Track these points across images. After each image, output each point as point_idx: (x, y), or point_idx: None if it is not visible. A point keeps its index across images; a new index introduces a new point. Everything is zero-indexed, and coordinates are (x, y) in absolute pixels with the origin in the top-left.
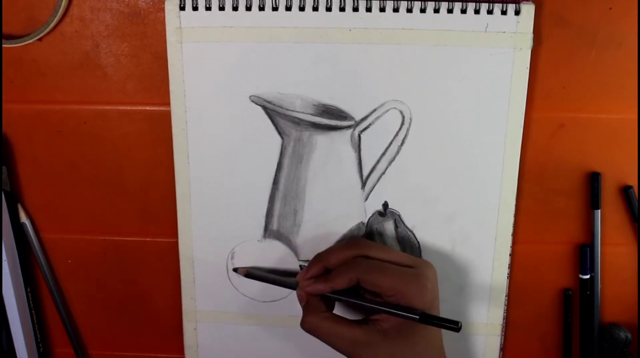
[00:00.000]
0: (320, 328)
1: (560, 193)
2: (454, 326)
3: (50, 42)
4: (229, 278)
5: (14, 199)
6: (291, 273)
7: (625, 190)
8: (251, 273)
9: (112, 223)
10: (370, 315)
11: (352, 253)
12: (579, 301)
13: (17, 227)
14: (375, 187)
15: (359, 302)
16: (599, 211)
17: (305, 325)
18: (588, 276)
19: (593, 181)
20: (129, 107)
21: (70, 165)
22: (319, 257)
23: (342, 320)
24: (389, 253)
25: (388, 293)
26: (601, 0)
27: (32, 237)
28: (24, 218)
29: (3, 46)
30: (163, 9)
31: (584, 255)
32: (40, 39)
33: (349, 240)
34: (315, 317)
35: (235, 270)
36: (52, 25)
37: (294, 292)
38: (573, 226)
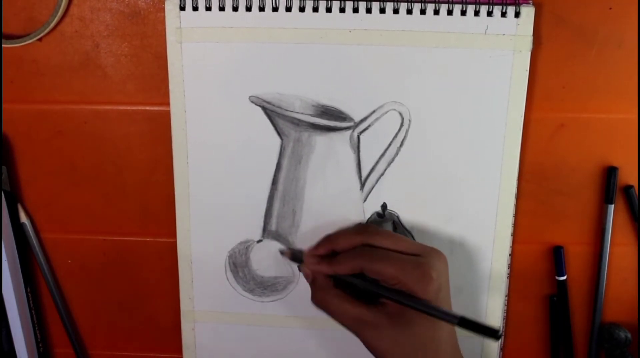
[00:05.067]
0: (328, 304)
1: (561, 193)
2: (493, 333)
3: (50, 42)
4: (227, 279)
5: (14, 199)
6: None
7: (626, 190)
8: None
9: (112, 223)
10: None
11: (360, 240)
12: (579, 301)
13: (17, 227)
14: (374, 188)
15: (362, 285)
16: (612, 206)
17: (315, 300)
18: (565, 278)
19: (609, 175)
20: (129, 107)
21: (70, 165)
22: (328, 238)
23: (349, 298)
24: (397, 241)
25: (390, 282)
26: (601, 0)
27: (32, 237)
28: (24, 218)
29: (3, 46)
30: (163, 9)
31: (559, 257)
32: (40, 39)
33: (359, 225)
34: (324, 293)
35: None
36: (52, 25)
37: (292, 293)
38: (574, 226)
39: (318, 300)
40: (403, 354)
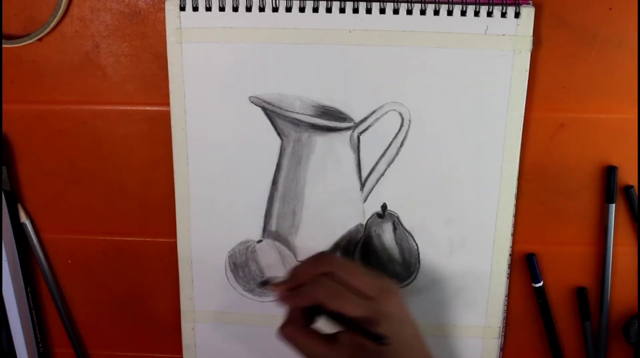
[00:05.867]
0: (294, 340)
1: (561, 193)
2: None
3: (50, 42)
4: (227, 279)
5: (14, 199)
6: None
7: (626, 190)
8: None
9: (112, 223)
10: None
11: (316, 270)
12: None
13: (17, 227)
14: (374, 189)
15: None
16: (613, 205)
17: (280, 334)
18: (541, 284)
19: (609, 174)
20: (129, 107)
21: (70, 165)
22: (290, 271)
23: (316, 335)
24: (354, 276)
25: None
26: (601, 0)
27: (32, 237)
28: (24, 218)
29: (3, 46)
30: (163, 9)
31: (532, 264)
32: (40, 39)
33: (316, 256)
34: (292, 328)
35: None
36: (52, 25)
37: None
38: (574, 226)
39: (284, 334)
40: None
